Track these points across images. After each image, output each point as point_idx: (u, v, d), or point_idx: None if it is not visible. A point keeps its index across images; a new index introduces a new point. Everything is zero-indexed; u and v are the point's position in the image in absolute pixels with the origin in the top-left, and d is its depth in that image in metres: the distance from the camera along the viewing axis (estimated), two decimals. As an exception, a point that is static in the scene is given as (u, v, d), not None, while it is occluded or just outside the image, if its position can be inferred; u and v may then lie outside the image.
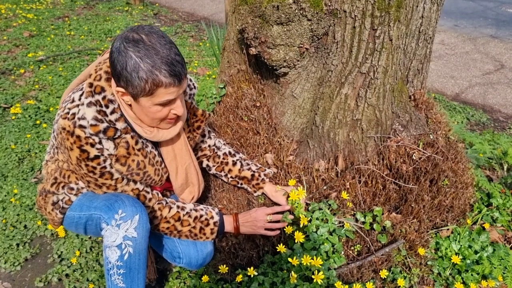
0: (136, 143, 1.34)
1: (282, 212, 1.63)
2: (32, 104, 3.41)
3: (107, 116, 1.26)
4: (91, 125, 1.22)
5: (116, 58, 1.16)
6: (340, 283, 1.45)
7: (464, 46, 5.28)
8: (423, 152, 1.78)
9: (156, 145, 1.47)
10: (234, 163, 1.74)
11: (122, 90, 1.20)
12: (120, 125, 1.28)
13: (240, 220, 1.60)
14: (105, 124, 1.25)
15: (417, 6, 1.77)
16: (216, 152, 1.75)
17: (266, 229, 1.60)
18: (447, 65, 4.71)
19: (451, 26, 6.11)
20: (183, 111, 1.30)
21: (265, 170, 1.74)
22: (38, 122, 3.16)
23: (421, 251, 1.66)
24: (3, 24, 5.54)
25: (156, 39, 1.16)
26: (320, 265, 1.43)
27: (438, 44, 5.32)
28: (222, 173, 1.76)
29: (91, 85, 1.26)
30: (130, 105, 1.27)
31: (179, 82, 1.19)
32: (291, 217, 1.61)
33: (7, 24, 5.55)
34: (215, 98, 2.10)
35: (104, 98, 1.26)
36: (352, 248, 1.64)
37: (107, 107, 1.26)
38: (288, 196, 1.63)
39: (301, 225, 1.56)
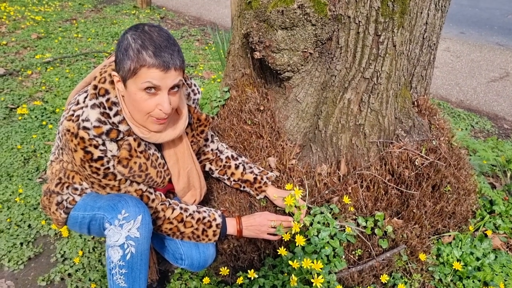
0: (139, 145, 1.35)
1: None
2: (38, 105, 3.44)
3: (110, 118, 1.27)
4: (94, 126, 1.24)
5: (117, 43, 1.23)
6: (341, 287, 1.45)
7: (469, 53, 5.28)
8: (425, 158, 1.78)
9: (159, 147, 1.49)
10: (237, 167, 1.75)
11: (116, 74, 1.24)
12: (123, 127, 1.30)
13: (243, 223, 1.60)
14: (108, 126, 1.26)
15: (421, 13, 1.78)
16: (219, 156, 1.77)
17: (269, 234, 1.61)
18: (452, 72, 4.70)
19: (457, 34, 6.10)
20: (168, 108, 1.25)
21: (268, 173, 1.75)
22: (44, 123, 3.19)
23: (423, 256, 1.66)
24: (12, 25, 5.60)
25: (157, 31, 1.21)
26: (321, 268, 1.43)
27: (443, 51, 5.32)
28: (225, 177, 1.77)
29: (95, 87, 1.28)
30: (123, 96, 1.28)
31: (164, 68, 1.18)
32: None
33: (16, 26, 5.62)
34: (219, 101, 2.12)
35: (108, 100, 1.27)
36: (353, 252, 1.64)
37: (110, 109, 1.28)
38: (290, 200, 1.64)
39: (293, 232, 1.55)
